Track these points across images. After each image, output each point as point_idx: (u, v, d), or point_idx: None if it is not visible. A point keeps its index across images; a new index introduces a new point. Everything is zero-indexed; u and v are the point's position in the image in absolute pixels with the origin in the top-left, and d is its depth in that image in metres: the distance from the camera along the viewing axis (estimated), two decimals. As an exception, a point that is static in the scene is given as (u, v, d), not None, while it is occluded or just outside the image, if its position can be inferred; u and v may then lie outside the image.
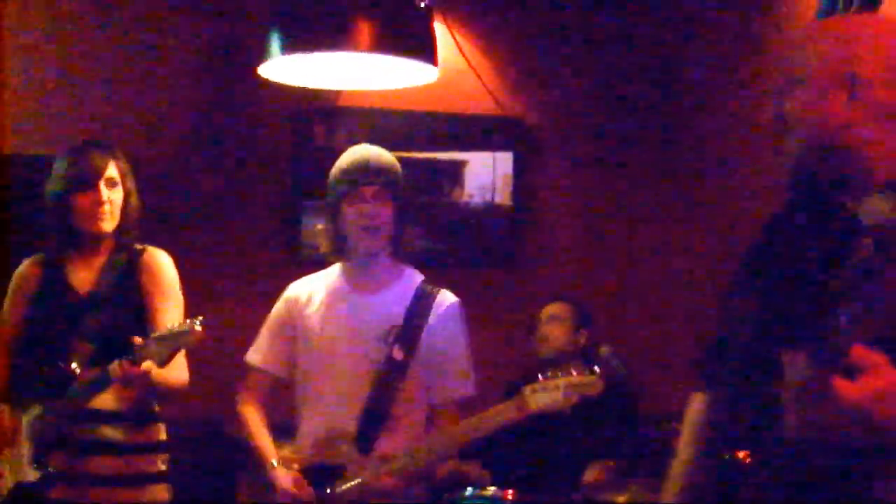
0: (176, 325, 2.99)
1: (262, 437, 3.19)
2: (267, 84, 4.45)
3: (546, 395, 2.93)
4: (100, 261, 3.26)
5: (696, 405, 2.12)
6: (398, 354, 3.09)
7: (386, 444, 3.06)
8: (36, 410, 3.13)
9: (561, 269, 5.26)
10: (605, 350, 4.24)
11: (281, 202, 5.12)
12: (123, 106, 4.98)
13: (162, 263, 3.30)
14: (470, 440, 3.04)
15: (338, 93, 5.04)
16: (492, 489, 3.72)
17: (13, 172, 4.52)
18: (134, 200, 3.29)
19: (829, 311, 1.54)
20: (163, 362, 2.95)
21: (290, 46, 4.05)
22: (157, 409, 3.29)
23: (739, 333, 1.96)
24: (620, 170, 5.33)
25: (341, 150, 3.25)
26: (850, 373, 1.54)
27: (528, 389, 2.95)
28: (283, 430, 3.27)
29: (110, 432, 3.18)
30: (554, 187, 5.35)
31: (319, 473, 3.05)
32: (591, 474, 4.04)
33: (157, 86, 5.03)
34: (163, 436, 3.30)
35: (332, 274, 3.28)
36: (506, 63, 5.29)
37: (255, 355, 3.28)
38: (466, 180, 5.24)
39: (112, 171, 3.23)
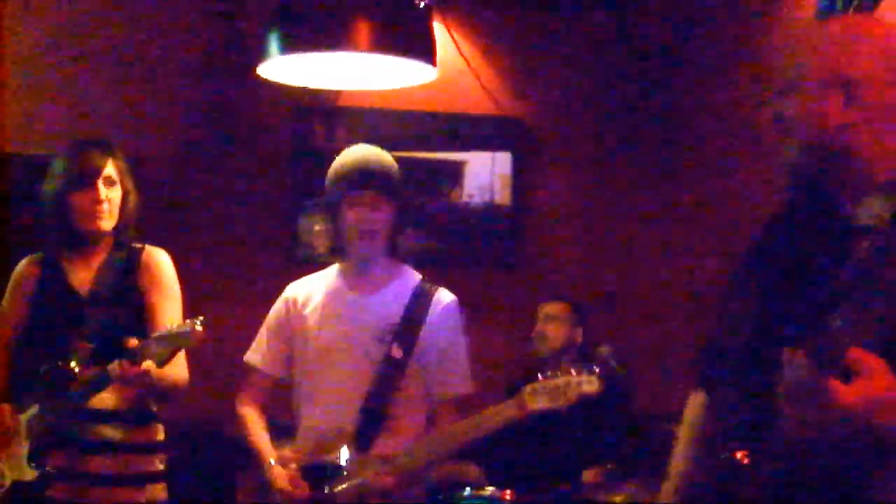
0: (176, 325, 2.99)
1: (260, 437, 3.19)
2: (267, 84, 4.45)
3: (546, 394, 2.94)
4: (99, 260, 3.26)
5: (695, 405, 2.12)
6: (396, 353, 3.09)
7: (385, 443, 3.06)
8: (35, 409, 3.13)
9: (560, 269, 5.26)
10: (604, 350, 4.25)
11: (280, 202, 5.13)
12: (123, 106, 4.99)
13: (161, 262, 3.29)
14: (470, 440, 3.04)
15: (337, 93, 5.05)
16: (490, 489, 3.73)
17: (13, 172, 4.52)
18: (132, 199, 3.29)
19: (826, 312, 1.54)
20: (163, 362, 2.95)
21: (289, 46, 4.06)
22: (155, 408, 3.29)
23: (738, 334, 1.96)
24: (619, 170, 5.33)
25: (341, 150, 3.25)
26: (846, 375, 1.54)
27: (527, 389, 2.96)
28: (282, 430, 3.27)
29: (109, 432, 3.17)
30: (553, 187, 5.35)
31: (318, 472, 3.05)
32: (589, 476, 4.05)
33: (156, 85, 5.04)
34: (161, 436, 3.30)
35: (330, 274, 3.28)
36: (505, 63, 5.30)
37: (254, 356, 3.28)
38: (465, 180, 5.25)
39: (110, 169, 3.22)
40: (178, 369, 3.15)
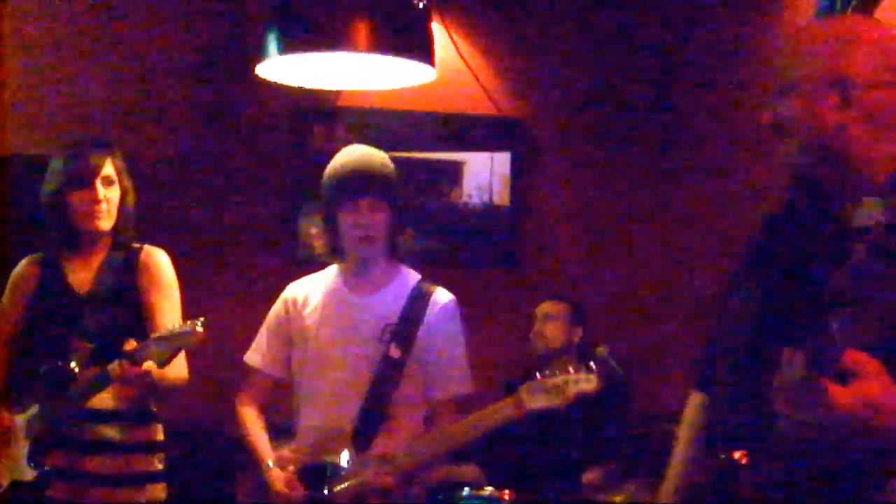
0: (177, 325, 2.99)
1: (259, 438, 3.19)
2: (266, 84, 4.45)
3: (543, 393, 2.94)
4: (98, 260, 3.26)
5: (695, 405, 2.12)
6: (395, 353, 3.10)
7: (384, 443, 3.06)
8: (34, 409, 3.13)
9: (559, 269, 5.27)
10: (602, 350, 4.23)
11: (279, 202, 5.13)
12: (122, 106, 4.99)
13: (160, 262, 3.30)
14: (468, 439, 3.04)
15: (337, 93, 5.05)
16: (489, 489, 3.72)
17: (13, 172, 4.52)
18: (131, 199, 3.29)
19: (824, 314, 1.54)
20: (163, 363, 2.95)
21: (287, 46, 4.05)
22: (155, 408, 3.29)
23: (737, 334, 1.96)
24: (618, 170, 5.34)
25: (340, 150, 3.25)
26: (843, 377, 1.54)
27: (525, 388, 2.95)
28: (282, 431, 3.27)
29: (108, 431, 3.18)
30: (552, 187, 5.35)
31: (317, 473, 3.05)
32: (589, 477, 4.05)
33: (156, 86, 5.04)
34: (160, 435, 3.30)
35: (329, 275, 3.29)
36: (504, 63, 5.30)
37: (253, 356, 3.29)
38: (465, 181, 5.25)
39: (109, 169, 3.23)
40: (178, 369, 3.15)
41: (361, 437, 3.07)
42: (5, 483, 3.12)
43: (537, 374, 2.98)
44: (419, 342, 3.12)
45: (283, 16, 4.10)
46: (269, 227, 5.13)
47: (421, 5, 4.14)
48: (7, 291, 3.32)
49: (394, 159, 3.23)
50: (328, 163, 3.22)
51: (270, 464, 3.11)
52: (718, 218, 4.82)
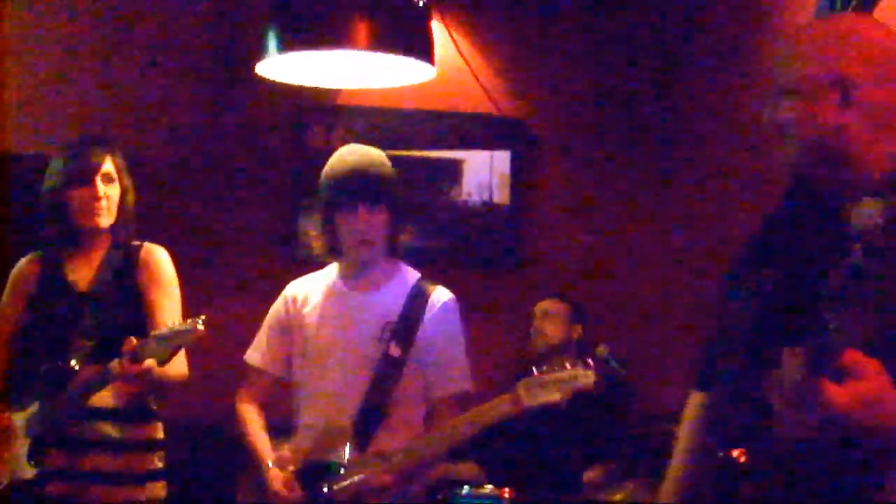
0: (177, 323, 2.99)
1: (259, 437, 3.19)
2: (265, 83, 4.45)
3: (540, 389, 2.92)
4: (98, 257, 3.27)
5: (695, 404, 2.12)
6: (394, 351, 3.10)
7: (383, 441, 3.06)
8: (35, 408, 3.13)
9: (558, 267, 5.27)
10: (602, 350, 4.25)
11: (279, 201, 5.13)
12: (123, 105, 4.99)
13: (160, 260, 3.30)
14: (466, 436, 3.02)
15: (336, 92, 5.05)
16: (488, 488, 3.73)
17: (13, 171, 4.52)
18: (131, 196, 3.29)
19: (822, 314, 1.54)
20: (164, 361, 2.95)
21: (287, 45, 4.06)
22: (155, 406, 3.29)
23: (736, 333, 1.96)
24: (618, 169, 5.34)
25: (337, 150, 3.24)
26: (842, 377, 1.54)
27: (522, 384, 2.94)
28: (282, 430, 3.27)
29: (108, 429, 3.18)
30: (552, 186, 5.35)
31: (317, 471, 3.06)
32: (590, 476, 4.05)
33: (155, 85, 5.04)
34: (160, 433, 3.30)
35: (329, 273, 3.29)
36: (504, 62, 5.30)
37: (253, 355, 3.29)
38: (464, 179, 5.25)
39: (109, 166, 3.23)
40: (178, 367, 3.15)
41: (361, 436, 3.06)
42: (5, 481, 3.13)
43: (534, 369, 2.97)
44: (419, 341, 3.12)
45: (283, 14, 4.11)
46: (269, 225, 5.13)
47: (421, 4, 4.14)
48: (7, 289, 3.32)
49: (393, 158, 3.23)
50: (327, 162, 3.22)
51: (270, 464, 3.11)
52: (718, 217, 4.82)
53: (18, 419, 3.15)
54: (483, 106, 5.25)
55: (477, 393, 3.20)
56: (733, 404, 1.92)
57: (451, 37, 5.18)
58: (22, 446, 3.12)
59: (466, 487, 3.72)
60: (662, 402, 4.43)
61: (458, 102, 5.24)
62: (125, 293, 3.24)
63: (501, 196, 5.26)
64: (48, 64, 4.92)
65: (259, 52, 4.17)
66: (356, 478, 3.01)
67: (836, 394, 1.53)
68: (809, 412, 1.56)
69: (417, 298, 3.17)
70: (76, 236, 3.26)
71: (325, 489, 3.02)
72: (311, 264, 3.37)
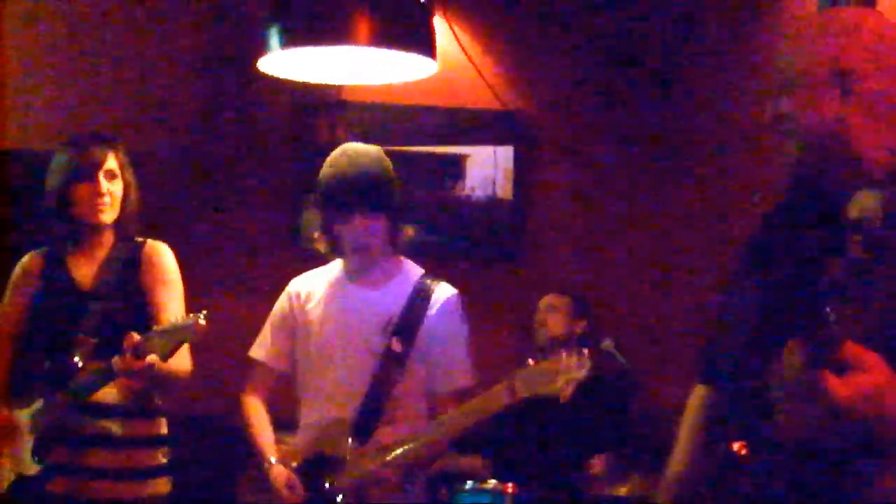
0: (180, 318, 2.99)
1: (262, 433, 3.20)
2: (268, 79, 4.45)
3: (537, 378, 2.91)
4: (101, 254, 3.27)
5: (697, 398, 2.12)
6: (397, 346, 3.10)
7: (385, 436, 3.07)
8: (39, 404, 3.14)
9: (561, 262, 5.26)
10: (607, 344, 4.25)
11: (282, 197, 5.13)
12: (125, 101, 5.00)
13: (163, 256, 3.30)
14: (464, 427, 3.01)
15: (339, 88, 5.05)
16: (492, 482, 3.73)
17: (14, 167, 4.53)
18: (133, 192, 3.30)
19: (822, 307, 1.54)
20: (166, 356, 2.96)
21: (288, 41, 4.06)
22: (158, 402, 3.29)
23: (739, 328, 1.96)
24: (621, 164, 5.33)
25: (335, 150, 3.23)
26: (842, 370, 1.54)
27: (518, 374, 2.93)
28: (286, 424, 3.28)
29: (111, 425, 3.18)
30: (555, 181, 5.34)
31: (319, 465, 3.06)
32: (595, 464, 4.05)
33: (158, 81, 5.05)
34: (164, 429, 3.31)
35: (333, 269, 3.29)
36: (506, 57, 5.29)
37: (258, 350, 3.29)
38: (468, 174, 5.24)
39: (111, 162, 3.24)
40: (182, 362, 3.16)
41: (363, 431, 3.07)
42: (10, 478, 3.13)
43: (530, 360, 2.96)
44: (421, 336, 3.13)
45: (285, 10, 4.11)
46: (273, 221, 5.13)
47: (423, -1, 4.14)
48: (10, 286, 3.32)
49: (396, 153, 3.22)
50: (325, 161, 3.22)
51: (273, 461, 3.11)
52: (720, 211, 4.81)
53: (22, 416, 3.15)
54: (486, 101, 5.25)
55: (478, 385, 3.20)
56: (735, 398, 1.92)
57: (454, 32, 5.17)
58: (26, 443, 3.13)
59: (470, 482, 3.72)
60: (664, 395, 4.43)
61: (460, 98, 5.23)
62: (128, 290, 3.24)
63: (505, 191, 5.25)
64: (48, 61, 4.92)
65: (261, 47, 4.17)
66: (357, 472, 3.02)
67: (837, 386, 1.54)
68: (811, 405, 1.56)
69: (420, 294, 3.17)
70: (79, 233, 3.26)
71: (327, 485, 3.03)
72: (315, 260, 3.38)
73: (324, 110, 5.18)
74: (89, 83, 4.96)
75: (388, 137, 3.32)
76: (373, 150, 3.20)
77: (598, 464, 4.03)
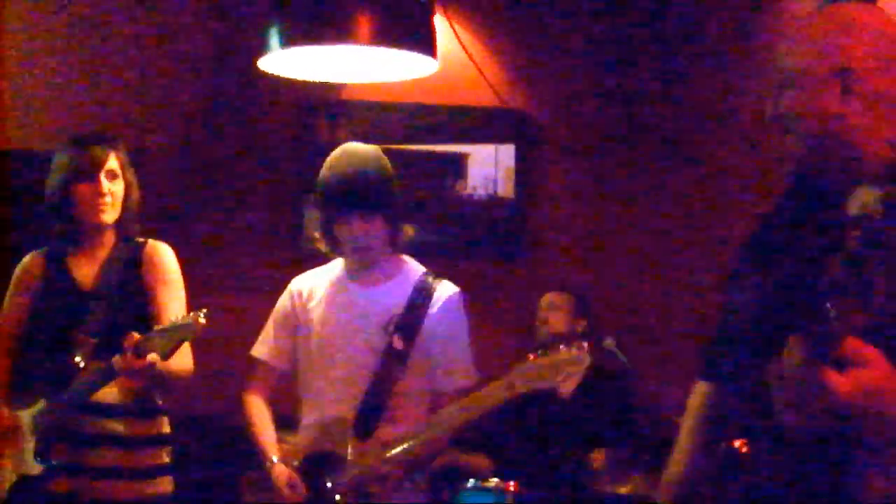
0: (179, 317, 2.99)
1: (265, 432, 3.20)
2: (268, 78, 4.45)
3: (536, 373, 2.91)
4: (102, 254, 3.27)
5: (699, 394, 2.12)
6: (398, 344, 3.10)
7: (386, 434, 3.07)
8: (40, 404, 3.14)
9: (563, 260, 5.26)
10: (608, 342, 4.25)
11: (284, 196, 5.13)
12: (126, 101, 5.00)
13: (164, 256, 3.31)
14: (463, 423, 3.00)
15: (340, 86, 5.05)
16: (494, 481, 3.73)
17: (14, 167, 4.53)
18: (135, 192, 3.30)
19: (822, 303, 1.54)
20: (167, 355, 2.96)
21: (289, 40, 4.06)
22: (160, 401, 3.30)
23: (740, 324, 1.96)
24: (623, 162, 5.32)
25: (335, 149, 3.23)
26: (843, 365, 1.54)
27: (516, 370, 2.93)
28: (288, 422, 3.28)
29: (114, 425, 3.18)
30: (556, 179, 5.34)
31: (320, 464, 3.06)
32: (595, 458, 4.05)
33: (158, 81, 5.05)
34: (166, 428, 3.31)
35: (334, 268, 3.29)
36: (507, 55, 5.29)
37: (260, 349, 3.30)
38: (469, 173, 5.24)
39: (112, 162, 3.24)
40: (183, 361, 3.16)
41: (364, 428, 3.07)
42: (13, 478, 3.13)
43: (530, 355, 2.96)
44: (423, 334, 3.13)
45: (285, 9, 4.11)
46: (274, 220, 5.14)
47: (423, -2, 4.15)
48: (11, 286, 3.33)
49: (397, 152, 3.23)
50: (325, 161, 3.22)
51: (275, 460, 3.12)
52: (721, 208, 4.81)
53: (25, 416, 3.15)
54: (487, 99, 5.25)
55: (480, 384, 3.20)
56: (737, 395, 1.92)
57: (454, 30, 5.17)
58: (28, 443, 3.13)
59: (472, 481, 3.72)
60: (665, 393, 4.43)
61: (461, 96, 5.23)
62: (130, 290, 3.24)
63: (506, 189, 5.25)
64: (49, 61, 4.92)
65: (261, 47, 4.17)
66: (357, 469, 3.02)
67: (838, 382, 1.54)
68: (811, 401, 1.56)
69: (422, 292, 3.17)
70: (80, 233, 3.26)
71: (329, 483, 3.03)
72: (317, 259, 3.38)
73: (324, 110, 5.18)
74: (89, 83, 4.96)
75: (389, 136, 3.32)
76: (372, 150, 3.20)
77: (598, 458, 4.02)
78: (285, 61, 4.27)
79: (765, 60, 4.27)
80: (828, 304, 1.53)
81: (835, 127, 1.86)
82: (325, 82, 4.73)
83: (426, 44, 4.19)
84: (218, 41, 5.09)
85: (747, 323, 1.94)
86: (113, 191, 3.22)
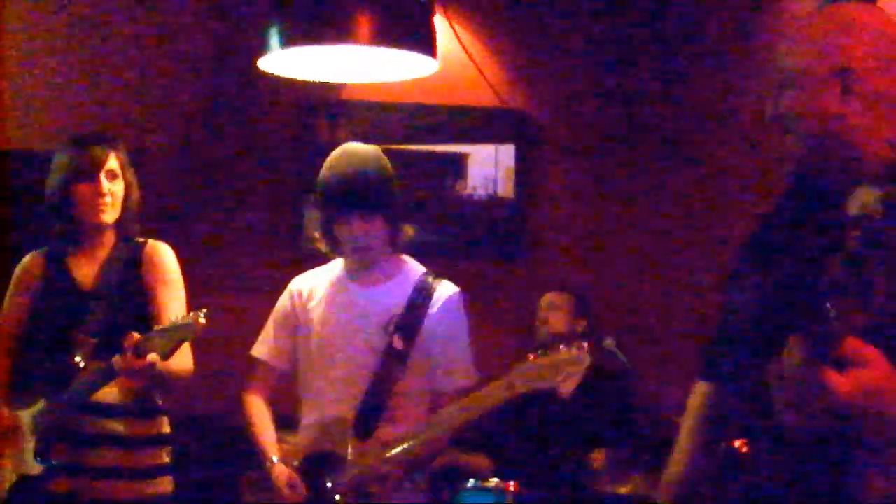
0: (179, 317, 3.00)
1: (265, 432, 3.20)
2: (268, 78, 4.45)
3: (536, 373, 2.91)
4: (102, 254, 3.27)
5: (699, 394, 2.12)
6: (398, 344, 3.10)
7: (386, 434, 3.07)
8: (40, 405, 3.14)
9: (563, 260, 5.26)
10: (609, 342, 4.25)
11: (285, 196, 5.14)
12: (126, 101, 5.00)
13: (164, 256, 3.31)
14: (462, 423, 3.01)
15: (340, 86, 5.05)
16: (494, 481, 3.73)
17: (14, 167, 4.53)
18: (135, 192, 3.30)
19: (822, 303, 1.54)
20: (167, 355, 2.96)
21: (289, 40, 4.06)
22: (160, 401, 3.30)
23: (740, 324, 1.96)
24: (623, 162, 5.33)
25: (335, 149, 3.23)
26: (843, 365, 1.54)
27: (516, 369, 2.93)
28: (288, 422, 3.28)
29: (114, 425, 3.18)
30: (556, 179, 5.34)
31: (320, 464, 3.07)
32: (595, 458, 4.05)
33: (158, 81, 5.05)
34: (166, 428, 3.31)
35: (334, 268, 3.30)
36: (507, 55, 5.29)
37: (260, 349, 3.30)
38: (469, 173, 5.24)
39: (112, 162, 3.24)
40: (183, 361, 3.16)
41: (364, 429, 3.07)
42: (13, 478, 3.13)
43: (530, 355, 2.96)
44: (423, 334, 3.13)
45: (285, 9, 4.11)
46: (274, 220, 5.14)
47: (423, -2, 4.15)
48: (11, 286, 3.33)
49: (397, 152, 3.23)
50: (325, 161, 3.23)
51: (275, 460, 3.12)
52: (721, 208, 4.81)
53: (25, 416, 3.15)
54: (487, 99, 5.25)
55: (480, 384, 3.20)
56: (736, 394, 1.92)
57: (454, 30, 5.17)
58: (28, 443, 3.13)
59: (472, 481, 3.72)
60: (661, 397, 4.44)
61: (461, 96, 5.23)
62: (130, 290, 3.24)
63: (506, 190, 5.26)
64: (49, 61, 4.92)
65: (261, 47, 4.17)
66: (357, 469, 3.02)
67: (838, 382, 1.54)
68: (811, 401, 1.56)
69: (422, 292, 3.17)
70: (80, 233, 3.26)
71: (329, 483, 3.03)
72: (317, 259, 3.38)
73: (324, 110, 5.18)
74: (89, 83, 4.96)
75: (389, 136, 3.32)
76: (372, 150, 3.20)
77: (598, 458, 4.03)
78: (285, 61, 4.28)
79: (765, 60, 4.27)
80: (828, 304, 1.53)
81: (835, 127, 1.86)
82: (325, 82, 4.73)
83: (426, 44, 4.19)
84: (218, 41, 5.09)
85: (747, 323, 1.94)
86: (113, 191, 3.22)
